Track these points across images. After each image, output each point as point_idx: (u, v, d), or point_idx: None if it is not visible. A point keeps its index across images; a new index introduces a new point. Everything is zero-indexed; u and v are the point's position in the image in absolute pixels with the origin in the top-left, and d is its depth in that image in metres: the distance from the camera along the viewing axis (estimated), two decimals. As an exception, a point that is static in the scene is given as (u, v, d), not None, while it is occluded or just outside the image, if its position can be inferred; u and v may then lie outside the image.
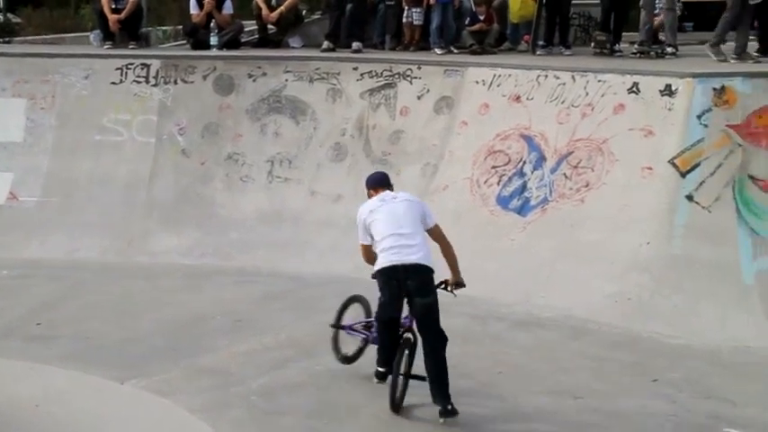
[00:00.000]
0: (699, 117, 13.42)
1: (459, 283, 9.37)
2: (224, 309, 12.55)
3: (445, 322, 11.65)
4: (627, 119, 14.04)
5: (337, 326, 9.91)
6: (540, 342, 11.31)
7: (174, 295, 13.31)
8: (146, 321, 11.88)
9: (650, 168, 13.51)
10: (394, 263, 8.78)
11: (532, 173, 14.67)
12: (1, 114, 17.20)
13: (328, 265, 14.78)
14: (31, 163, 16.89)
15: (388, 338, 8.99)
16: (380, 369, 9.14)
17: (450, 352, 10.45)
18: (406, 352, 8.86)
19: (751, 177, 13.07)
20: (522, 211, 14.43)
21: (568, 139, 14.50)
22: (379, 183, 9.63)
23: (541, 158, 14.67)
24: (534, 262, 13.41)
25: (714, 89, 13.46)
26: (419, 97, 16.48)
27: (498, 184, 14.90)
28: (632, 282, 12.59)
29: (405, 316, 8.98)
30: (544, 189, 14.38)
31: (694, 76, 13.73)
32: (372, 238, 9.07)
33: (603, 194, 13.77)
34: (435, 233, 9.34)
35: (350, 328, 9.83)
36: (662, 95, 13.87)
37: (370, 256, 9.20)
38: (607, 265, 12.88)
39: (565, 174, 14.30)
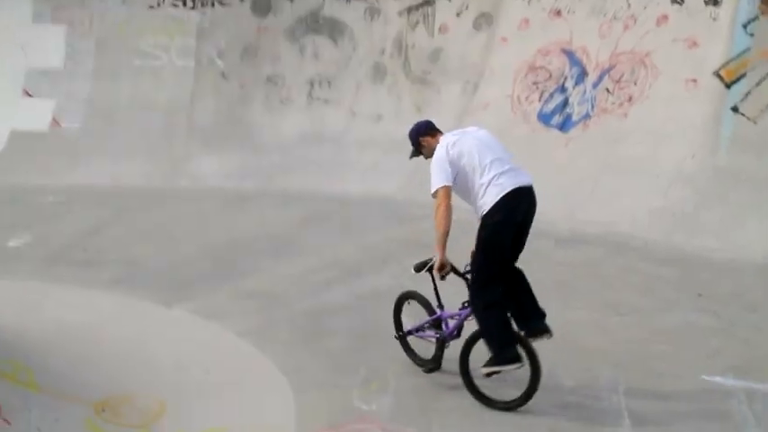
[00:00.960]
0: (744, 26, 13.14)
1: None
2: (267, 231, 12.63)
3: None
4: (670, 30, 13.80)
5: (401, 335, 8.13)
6: (584, 258, 11.28)
7: (218, 218, 13.42)
8: (190, 245, 11.98)
9: (694, 80, 13.30)
10: (515, 185, 7.21)
11: (574, 88, 14.52)
12: (41, 41, 17.22)
13: (370, 186, 14.82)
14: (72, 89, 16.97)
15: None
16: (513, 352, 7.08)
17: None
18: None
19: (798, 87, 12.83)
20: (563, 127, 14.32)
21: (610, 52, 14.31)
22: (433, 127, 7.87)
23: (583, 73, 14.50)
24: (577, 178, 13.32)
25: (760, -3, 13.17)
26: (458, 14, 16.29)
27: (539, 100, 14.77)
28: (677, 195, 12.48)
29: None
30: (586, 104, 14.23)
31: (740, -16, 13.41)
32: (462, 173, 7.38)
33: (647, 108, 13.60)
34: None
35: (417, 331, 7.96)
36: (706, 5, 13.58)
37: (448, 203, 7.41)
38: (651, 179, 12.77)
39: (607, 88, 14.14)
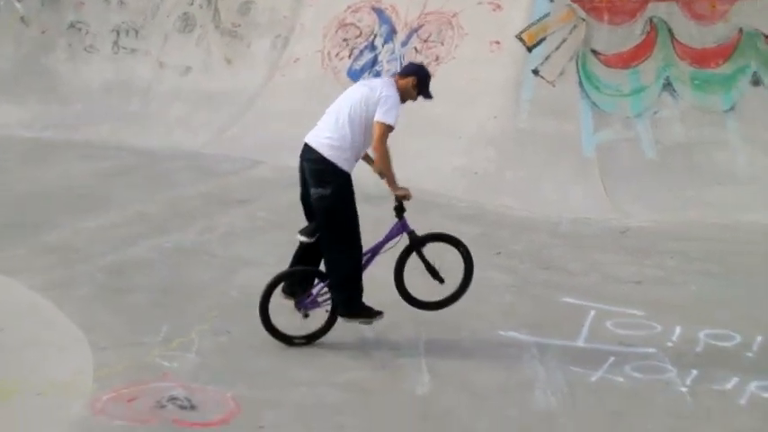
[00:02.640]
0: (545, -9, 13.60)
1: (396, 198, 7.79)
2: (70, 184, 12.28)
3: (296, 197, 11.78)
4: (476, -7, 14.10)
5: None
6: (388, 216, 11.44)
7: (17, 170, 12.95)
8: (-13, 197, 11.54)
9: (498, 43, 13.67)
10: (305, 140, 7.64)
11: (383, 46, 14.68)
12: None
13: (178, 139, 14.59)
14: None
15: None
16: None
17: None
18: None
19: (593, 51, 13.39)
20: (373, 84, 14.42)
21: (419, 12, 14.53)
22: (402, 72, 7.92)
23: (392, 32, 14.67)
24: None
25: (561, -36, 13.64)
26: (269, -33, 16.15)
27: (350, 57, 14.86)
28: (479, 156, 12.84)
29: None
30: (395, 63, 14.42)
31: (542, -50, 13.83)
32: None
33: (453, 69, 13.88)
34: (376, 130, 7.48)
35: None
36: (510, -30, 13.95)
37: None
38: (455, 139, 13.09)
39: (415, 47, 14.36)
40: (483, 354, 7.62)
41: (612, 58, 13.43)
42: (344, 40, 14.97)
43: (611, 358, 7.52)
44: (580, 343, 7.89)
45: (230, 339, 7.62)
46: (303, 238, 7.66)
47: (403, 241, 7.84)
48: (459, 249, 7.90)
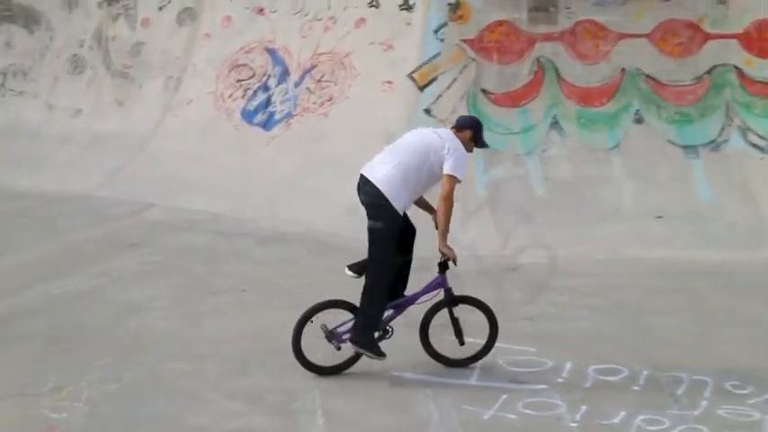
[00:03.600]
0: (435, 31, 13.84)
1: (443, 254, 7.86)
2: (-45, 231, 11.99)
3: (190, 239, 11.74)
4: (368, 33, 14.31)
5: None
6: (284, 257, 11.47)
7: None
8: None
9: (390, 82, 13.83)
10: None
11: (277, 87, 14.73)
12: None
13: (68, 182, 14.37)
14: None
15: None
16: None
17: (197, 271, 10.55)
18: None
19: (483, 91, 13.64)
20: (266, 125, 14.49)
21: (312, 52, 14.63)
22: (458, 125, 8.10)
23: (285, 72, 14.73)
24: (278, 177, 13.51)
25: (449, 4, 13.93)
26: (160, 8, 16.12)
27: (243, 97, 14.88)
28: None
29: None
30: (288, 103, 14.47)
31: (431, -10, 14.08)
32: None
33: (347, 108, 14.00)
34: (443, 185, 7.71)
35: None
36: (401, 9, 14.18)
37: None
38: (351, 177, 13.07)
39: (308, 88, 14.44)
40: (377, 395, 7.65)
41: (502, 97, 13.70)
42: (238, 81, 14.98)
43: (504, 396, 7.62)
44: (473, 381, 7.98)
45: (121, 386, 7.51)
46: (350, 274, 7.84)
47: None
48: (486, 315, 8.25)
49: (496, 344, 8.45)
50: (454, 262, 7.94)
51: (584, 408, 7.41)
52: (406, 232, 7.94)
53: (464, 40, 13.82)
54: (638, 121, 13.54)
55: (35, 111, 15.86)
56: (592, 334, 9.14)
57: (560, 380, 7.99)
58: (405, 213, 7.84)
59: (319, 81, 14.47)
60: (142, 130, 15.15)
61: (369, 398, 7.59)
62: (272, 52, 15.00)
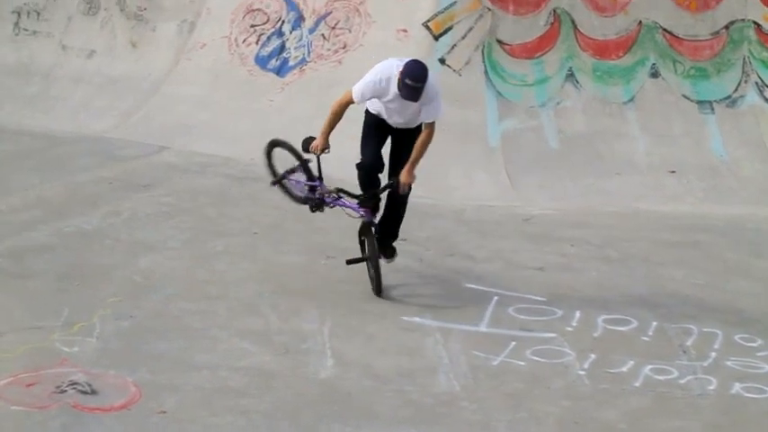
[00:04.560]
0: (451, -20, 13.70)
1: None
2: (-33, 168, 12.00)
3: (201, 182, 11.75)
4: (383, -20, 14.14)
5: (276, 180, 9.10)
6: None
7: None
8: None
9: (405, 31, 13.73)
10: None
11: (291, 33, 14.61)
12: None
13: (81, 123, 14.35)
14: None
15: None
16: None
17: (208, 213, 10.57)
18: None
19: (498, 41, 13.54)
20: (280, 71, 14.39)
21: (327, -1, 14.49)
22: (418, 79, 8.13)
23: (300, 18, 14.61)
24: (291, 123, 13.43)
25: (466, -49, 13.75)
26: (175, -49, 15.94)
27: (257, 43, 14.75)
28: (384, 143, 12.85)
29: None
30: (302, 50, 14.37)
31: (448, -61, 13.91)
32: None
33: (360, 56, 13.87)
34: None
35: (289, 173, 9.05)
36: (415, -44, 14.00)
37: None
38: (361, 126, 13.07)
39: (323, 34, 14.32)
40: (387, 339, 7.70)
41: (517, 49, 13.60)
42: (252, 26, 14.86)
43: (513, 343, 7.67)
44: (483, 328, 8.02)
45: (132, 324, 7.56)
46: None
47: None
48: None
49: (507, 293, 8.53)
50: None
51: (592, 356, 7.46)
52: None
53: (480, -11, 13.71)
54: (654, 75, 13.47)
55: (48, 51, 15.76)
56: (602, 285, 9.17)
57: (569, 329, 8.04)
58: None
59: (333, 28, 14.36)
60: (155, 73, 15.06)
61: (378, 341, 7.64)
62: (286, -3, 14.89)
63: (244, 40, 14.84)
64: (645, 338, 7.88)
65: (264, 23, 14.76)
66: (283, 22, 14.69)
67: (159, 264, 9.01)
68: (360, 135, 8.80)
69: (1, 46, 15.81)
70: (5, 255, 8.96)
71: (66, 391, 6.32)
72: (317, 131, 8.84)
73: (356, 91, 8.49)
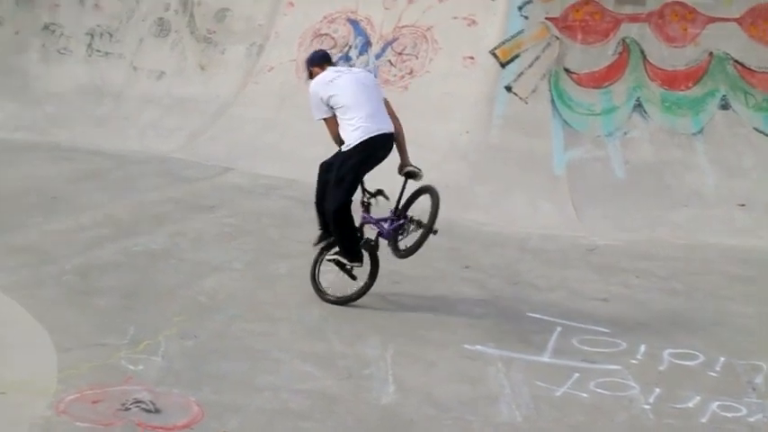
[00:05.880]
0: (520, 8, 13.72)
1: (411, 172, 8.78)
2: (39, 186, 12.20)
3: (265, 204, 11.83)
4: (451, 7, 14.20)
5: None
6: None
7: (-13, 170, 12.85)
8: (-46, 196, 11.44)
9: (472, 58, 13.75)
10: (377, 132, 8.40)
11: (358, 58, 14.71)
12: None
13: (149, 144, 14.55)
14: None
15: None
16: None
17: (271, 235, 10.62)
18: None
19: (566, 70, 13.50)
20: (346, 95, 14.42)
21: (394, 25, 14.58)
22: (325, 59, 8.85)
23: (367, 43, 14.71)
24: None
25: (535, -19, 13.75)
26: (246, -25, 16.16)
27: (324, 67, 14.82)
28: (451, 169, 12.88)
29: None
30: (369, 75, 14.42)
31: (518, -33, 13.92)
32: (333, 108, 8.45)
33: (426, 82, 13.94)
34: (389, 107, 8.76)
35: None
36: (485, -15, 14.04)
37: (335, 129, 8.51)
38: (427, 152, 13.04)
39: (390, 60, 14.41)
40: (449, 366, 7.64)
41: (585, 78, 13.55)
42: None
43: (576, 374, 7.57)
44: (545, 358, 7.93)
45: (196, 343, 7.60)
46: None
47: None
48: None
49: (571, 323, 8.44)
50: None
51: (657, 390, 7.33)
52: None
53: (549, 18, 13.69)
54: (724, 106, 13.31)
55: (120, 72, 16.05)
56: (667, 318, 9.03)
57: (634, 362, 7.91)
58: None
59: (400, 54, 14.43)
60: (223, 95, 15.26)
61: (440, 369, 7.59)
62: (354, 23, 14.99)
63: (311, 64, 14.94)
64: (712, 374, 7.73)
65: (332, 48, 14.87)
66: (350, 47, 14.80)
67: (223, 284, 9.07)
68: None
69: (75, 67, 16.09)
70: (74, 272, 9.09)
71: (130, 408, 6.36)
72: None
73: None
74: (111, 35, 16.37)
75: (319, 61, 8.80)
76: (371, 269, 8.65)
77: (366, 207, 8.81)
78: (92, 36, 16.38)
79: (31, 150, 14.02)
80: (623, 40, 13.64)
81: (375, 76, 14.17)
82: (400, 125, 8.69)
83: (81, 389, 6.57)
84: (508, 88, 13.41)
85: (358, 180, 8.58)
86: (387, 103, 8.72)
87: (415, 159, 12.87)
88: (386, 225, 8.72)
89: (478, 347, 8.02)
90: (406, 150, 8.79)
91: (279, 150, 13.70)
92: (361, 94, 8.45)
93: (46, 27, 16.42)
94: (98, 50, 16.32)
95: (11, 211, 11.03)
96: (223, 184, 12.76)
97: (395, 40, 14.52)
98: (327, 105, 8.46)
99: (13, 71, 16.11)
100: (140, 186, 12.47)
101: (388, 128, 8.50)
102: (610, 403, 7.13)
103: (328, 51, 9.52)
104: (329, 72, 8.58)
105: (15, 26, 16.39)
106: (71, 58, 16.33)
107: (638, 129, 13.33)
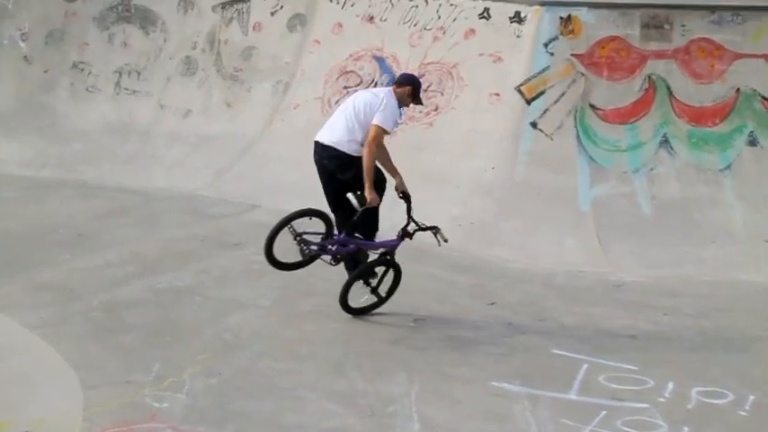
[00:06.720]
0: (545, 45, 13.69)
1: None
2: (65, 223, 12.28)
3: (292, 242, 11.84)
4: (477, 44, 14.21)
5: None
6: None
7: (13, 207, 12.94)
8: (-18, 234, 11.53)
9: (498, 94, 13.75)
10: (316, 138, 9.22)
11: (383, 95, 14.73)
12: None
13: (175, 181, 14.61)
14: None
15: None
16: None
17: (297, 273, 10.63)
18: None
19: (591, 106, 13.47)
20: (371, 132, 14.46)
21: (420, 61, 14.60)
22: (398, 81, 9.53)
23: (393, 80, 14.72)
24: (382, 184, 13.52)
25: (561, 18, 13.72)
26: (272, 14, 16.26)
27: (349, 104, 14.89)
28: (476, 206, 12.87)
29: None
30: (394, 112, 14.45)
31: (542, 4, 13.90)
32: None
33: (451, 119, 13.95)
34: (370, 131, 8.96)
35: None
36: (511, 22, 14.05)
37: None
38: (452, 188, 13.12)
39: (415, 97, 14.40)
40: (474, 404, 7.60)
41: (611, 114, 13.51)
42: (345, 87, 15.04)
43: (603, 412, 7.51)
44: (572, 396, 7.88)
45: (221, 381, 7.60)
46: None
47: None
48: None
49: (598, 360, 8.37)
50: (372, 203, 9.00)
51: (686, 429, 7.28)
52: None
53: (574, 55, 13.66)
54: (752, 143, 13.22)
55: (147, 110, 16.15)
56: (696, 355, 8.95)
57: (662, 400, 7.85)
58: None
59: (426, 90, 14.41)
60: (249, 132, 15.32)
61: (465, 406, 7.55)
62: (380, 60, 15.04)
63: (336, 101, 14.99)
64: (742, 413, 7.65)
65: (358, 85, 14.92)
66: (376, 83, 14.84)
67: (248, 322, 9.08)
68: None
69: (103, 105, 16.23)
70: (100, 308, 9.13)
71: (154, 446, 6.37)
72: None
73: (388, 124, 9.00)
74: (138, 73, 16.50)
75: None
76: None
77: (407, 235, 9.49)
78: (120, 74, 16.51)
79: (59, 187, 14.12)
80: (649, 76, 13.59)
81: (400, 114, 14.33)
82: (369, 151, 8.85)
83: (106, 427, 6.59)
84: (534, 124, 13.39)
85: (324, 188, 9.38)
86: (371, 126, 8.90)
87: (440, 195, 12.97)
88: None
89: (504, 385, 7.98)
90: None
91: (304, 188, 13.66)
92: (342, 108, 9.18)
93: (75, 65, 16.57)
94: (126, 88, 16.44)
95: (38, 247, 11.12)
96: (249, 222, 12.78)
97: (420, 76, 14.49)
98: None
99: (41, 109, 16.26)
100: (166, 223, 12.52)
101: (329, 139, 9.04)
102: (638, 442, 7.06)
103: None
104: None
105: (44, 65, 16.54)
106: (99, 96, 16.46)
107: (664, 165, 13.25)
